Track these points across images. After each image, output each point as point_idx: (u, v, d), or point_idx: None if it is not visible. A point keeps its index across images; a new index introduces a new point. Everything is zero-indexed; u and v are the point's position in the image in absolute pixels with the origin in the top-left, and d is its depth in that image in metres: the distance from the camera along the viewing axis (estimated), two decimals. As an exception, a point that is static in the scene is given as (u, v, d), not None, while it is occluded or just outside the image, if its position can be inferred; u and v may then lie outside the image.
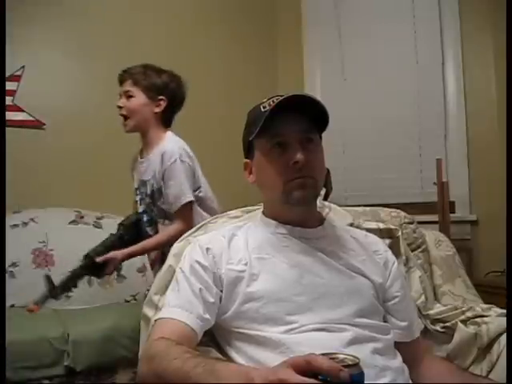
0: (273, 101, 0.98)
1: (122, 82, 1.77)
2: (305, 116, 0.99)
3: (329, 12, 3.13)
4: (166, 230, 1.71)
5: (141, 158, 1.80)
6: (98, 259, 1.65)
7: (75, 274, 1.65)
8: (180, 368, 0.75)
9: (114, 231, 1.75)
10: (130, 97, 1.74)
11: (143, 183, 1.78)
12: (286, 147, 0.98)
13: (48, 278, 1.61)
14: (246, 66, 3.21)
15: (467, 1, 2.75)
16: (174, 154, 1.68)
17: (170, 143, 1.72)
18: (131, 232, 1.75)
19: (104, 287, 2.34)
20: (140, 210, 1.81)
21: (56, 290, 1.60)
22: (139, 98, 1.74)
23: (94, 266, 1.67)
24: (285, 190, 0.98)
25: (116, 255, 1.68)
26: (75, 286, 1.66)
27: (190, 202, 1.69)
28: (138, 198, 1.82)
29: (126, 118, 1.75)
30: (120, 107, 1.75)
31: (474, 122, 2.72)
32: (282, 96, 0.98)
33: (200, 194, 1.77)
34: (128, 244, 1.71)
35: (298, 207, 1.00)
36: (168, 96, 1.77)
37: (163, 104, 1.76)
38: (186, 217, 1.68)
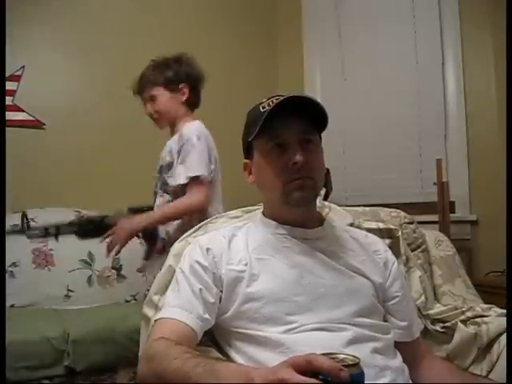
0: (272, 101, 0.98)
1: (140, 90, 1.80)
2: (304, 117, 0.99)
3: (329, 12, 3.13)
4: (180, 200, 1.68)
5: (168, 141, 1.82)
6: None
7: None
8: (180, 368, 0.75)
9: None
10: (154, 100, 1.76)
11: (161, 168, 1.79)
12: (285, 148, 0.98)
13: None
14: (247, 66, 3.21)
15: (467, 0, 2.75)
16: (192, 132, 1.69)
17: (190, 126, 1.73)
18: None
19: (104, 287, 2.34)
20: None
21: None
22: (163, 96, 1.75)
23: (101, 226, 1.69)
24: (284, 191, 0.98)
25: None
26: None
27: (200, 177, 1.65)
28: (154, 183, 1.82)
29: (157, 119, 1.78)
30: (151, 114, 1.78)
31: (474, 122, 2.72)
32: (281, 96, 0.98)
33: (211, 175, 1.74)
34: None
35: (297, 208, 1.00)
36: (187, 81, 1.78)
37: (186, 91, 1.78)
38: (199, 191, 1.65)
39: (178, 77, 1.77)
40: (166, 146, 1.79)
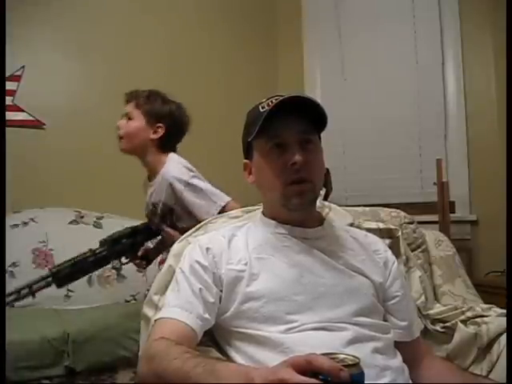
0: (272, 101, 0.98)
1: (126, 101, 1.77)
2: (304, 117, 0.99)
3: (329, 12, 3.13)
4: None
5: (150, 182, 1.78)
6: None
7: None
8: (180, 368, 0.75)
9: (115, 231, 1.72)
10: (129, 119, 1.72)
11: (152, 205, 1.76)
12: (284, 148, 0.98)
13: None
14: (247, 66, 3.21)
15: (467, 0, 2.75)
16: (183, 177, 1.65)
17: (171, 167, 1.69)
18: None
19: (104, 287, 2.34)
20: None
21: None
22: (138, 121, 1.71)
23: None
24: (283, 193, 0.98)
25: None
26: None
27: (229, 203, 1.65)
28: (146, 214, 1.80)
29: (121, 138, 1.73)
30: (118, 128, 1.73)
31: (474, 122, 2.72)
32: (281, 96, 0.98)
33: None
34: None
35: (296, 212, 1.01)
36: (167, 124, 1.73)
37: (161, 131, 1.72)
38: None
39: (162, 116, 1.73)
40: (153, 184, 1.73)
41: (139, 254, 1.73)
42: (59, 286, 1.53)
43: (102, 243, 1.61)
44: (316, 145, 1.02)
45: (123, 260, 1.67)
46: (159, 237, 1.75)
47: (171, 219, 1.70)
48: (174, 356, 0.78)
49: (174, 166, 1.70)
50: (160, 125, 1.72)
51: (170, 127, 1.74)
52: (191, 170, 1.70)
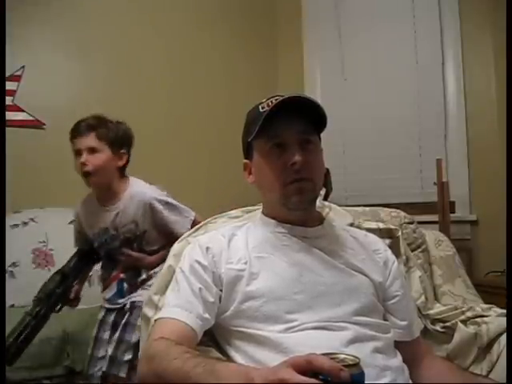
0: (271, 101, 0.98)
1: (80, 134, 1.65)
2: (303, 117, 0.99)
3: (329, 12, 3.13)
4: None
5: (104, 206, 1.70)
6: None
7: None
8: (180, 368, 0.75)
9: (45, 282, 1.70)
10: (93, 152, 1.62)
11: (112, 229, 1.69)
12: (284, 148, 0.98)
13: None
14: (247, 66, 3.21)
15: (467, 0, 2.74)
16: (161, 197, 1.66)
17: (145, 188, 1.68)
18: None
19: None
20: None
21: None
22: (104, 153, 1.63)
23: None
24: (283, 192, 0.98)
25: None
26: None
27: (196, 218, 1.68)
28: (97, 243, 1.73)
29: (89, 174, 1.63)
30: (84, 164, 1.62)
31: (473, 122, 2.72)
32: (281, 96, 0.98)
33: None
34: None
35: (296, 211, 1.00)
36: (128, 148, 1.71)
37: (125, 157, 1.70)
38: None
39: (123, 141, 1.69)
40: (113, 209, 1.68)
41: (71, 296, 1.70)
42: (10, 364, 1.48)
43: (37, 302, 1.58)
44: (316, 145, 1.02)
45: (57, 308, 1.64)
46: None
47: (140, 242, 1.68)
48: (174, 356, 0.78)
49: (147, 187, 1.70)
50: (123, 151, 1.69)
51: (129, 150, 1.72)
52: (161, 190, 1.71)
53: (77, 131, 1.66)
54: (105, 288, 1.75)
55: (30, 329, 1.52)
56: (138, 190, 1.68)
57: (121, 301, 1.67)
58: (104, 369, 1.57)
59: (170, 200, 1.68)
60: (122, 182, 1.70)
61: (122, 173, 1.71)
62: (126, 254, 1.66)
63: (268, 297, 0.93)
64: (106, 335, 1.64)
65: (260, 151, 1.02)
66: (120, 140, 1.68)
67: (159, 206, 1.64)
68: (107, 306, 1.70)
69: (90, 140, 1.62)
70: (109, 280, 1.73)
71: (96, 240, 1.72)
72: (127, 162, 1.71)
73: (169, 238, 1.59)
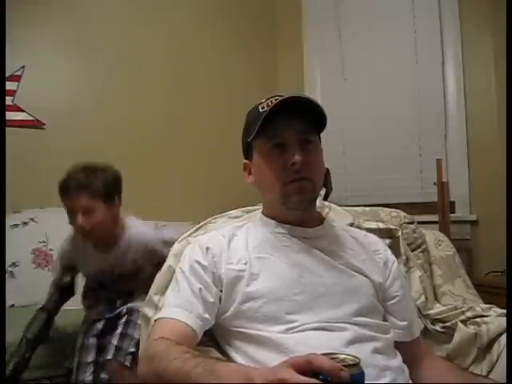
0: (271, 101, 0.98)
1: (71, 194, 1.53)
2: (303, 117, 0.99)
3: (329, 12, 3.13)
4: None
5: (101, 252, 1.65)
6: None
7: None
8: (180, 368, 0.75)
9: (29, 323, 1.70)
10: (88, 212, 1.53)
11: (109, 271, 1.67)
12: (284, 148, 0.98)
13: None
14: (247, 66, 3.21)
15: (467, 0, 2.74)
16: (159, 235, 1.65)
17: (144, 229, 1.66)
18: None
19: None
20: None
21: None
22: (99, 212, 1.55)
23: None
24: (283, 192, 0.98)
25: None
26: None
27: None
28: (94, 285, 1.72)
29: (87, 232, 1.56)
30: (81, 225, 1.53)
31: (474, 122, 2.71)
32: (281, 96, 0.98)
33: None
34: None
35: (296, 211, 1.00)
36: (119, 192, 1.65)
37: (118, 203, 1.64)
38: None
39: (114, 188, 1.63)
40: (111, 252, 1.64)
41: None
42: None
43: (26, 344, 1.60)
44: (315, 145, 1.02)
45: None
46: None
47: (136, 274, 1.65)
48: (174, 356, 0.78)
49: (144, 229, 1.67)
50: (116, 198, 1.63)
51: (120, 193, 1.66)
52: (155, 227, 1.70)
53: (67, 190, 1.54)
54: (90, 308, 1.74)
55: (18, 369, 1.55)
56: (136, 232, 1.64)
57: (110, 314, 1.66)
58: (109, 357, 1.56)
59: (166, 235, 1.62)
60: (117, 226, 1.65)
61: (118, 216, 1.65)
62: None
63: (268, 298, 0.93)
64: (93, 341, 1.64)
65: (260, 151, 1.02)
66: (111, 189, 1.60)
67: (159, 247, 1.60)
68: (94, 317, 1.69)
69: (83, 200, 1.52)
70: (97, 302, 1.72)
71: (92, 279, 1.71)
72: (120, 205, 1.65)
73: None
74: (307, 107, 0.97)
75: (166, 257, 1.53)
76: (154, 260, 1.59)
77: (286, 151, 0.98)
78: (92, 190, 1.53)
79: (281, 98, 0.96)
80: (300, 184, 0.97)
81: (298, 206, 0.99)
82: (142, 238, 1.64)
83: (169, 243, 1.56)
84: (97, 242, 1.65)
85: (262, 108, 0.99)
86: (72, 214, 1.55)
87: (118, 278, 1.67)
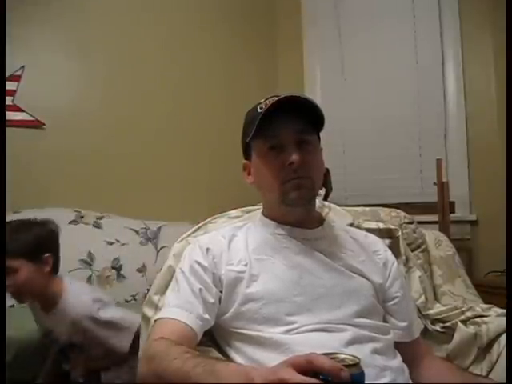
0: (269, 101, 0.98)
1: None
2: (301, 117, 0.98)
3: (329, 12, 3.13)
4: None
5: (44, 312, 1.55)
6: None
7: None
8: (180, 368, 0.75)
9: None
10: (13, 272, 1.45)
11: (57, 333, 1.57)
12: (282, 148, 0.98)
13: None
14: (246, 66, 3.21)
15: (467, 0, 2.74)
16: (92, 314, 1.51)
17: (74, 300, 1.51)
18: None
19: (104, 287, 2.34)
20: None
21: None
22: (24, 270, 1.46)
23: None
24: (281, 191, 0.98)
25: None
26: None
27: None
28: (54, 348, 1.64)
29: (15, 295, 1.50)
30: (8, 286, 1.46)
31: (474, 122, 2.71)
32: (279, 96, 0.98)
33: None
34: None
35: (295, 208, 1.00)
36: (52, 250, 1.54)
37: (50, 260, 1.52)
38: None
39: (43, 244, 1.52)
40: (51, 315, 1.54)
41: None
42: None
43: None
44: (314, 145, 1.02)
45: None
46: None
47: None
48: (174, 356, 0.78)
49: (78, 300, 1.52)
50: (47, 255, 1.51)
51: (55, 249, 1.56)
52: (98, 300, 1.54)
53: None
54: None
55: None
56: (70, 302, 1.51)
57: None
58: None
59: (102, 315, 1.51)
60: (54, 285, 1.54)
61: (51, 274, 1.54)
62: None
63: (268, 299, 0.93)
64: None
65: (258, 151, 1.02)
66: (38, 248, 1.49)
67: (89, 325, 1.48)
68: None
69: (6, 259, 1.41)
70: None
71: (48, 340, 1.62)
72: (57, 260, 1.56)
73: (112, 355, 1.50)
74: (305, 107, 0.97)
75: (99, 337, 1.48)
76: (83, 336, 1.49)
77: (283, 151, 0.98)
78: (14, 248, 1.44)
79: (277, 98, 0.96)
80: (298, 181, 0.97)
81: (296, 202, 0.98)
82: (72, 309, 1.49)
83: (105, 324, 1.49)
84: (32, 301, 1.57)
85: (261, 108, 0.98)
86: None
87: (70, 347, 1.55)
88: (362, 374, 0.64)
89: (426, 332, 1.26)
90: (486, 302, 1.40)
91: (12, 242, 1.44)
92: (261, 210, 1.11)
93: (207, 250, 1.00)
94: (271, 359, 0.81)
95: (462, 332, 1.23)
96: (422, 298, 1.32)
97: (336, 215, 1.34)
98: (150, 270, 2.36)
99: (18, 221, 1.56)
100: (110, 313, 1.54)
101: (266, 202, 1.09)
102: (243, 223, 1.13)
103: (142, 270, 2.41)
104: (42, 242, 1.52)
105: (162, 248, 2.46)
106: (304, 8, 3.22)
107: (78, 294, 1.54)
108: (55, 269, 1.55)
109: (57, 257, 1.56)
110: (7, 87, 2.56)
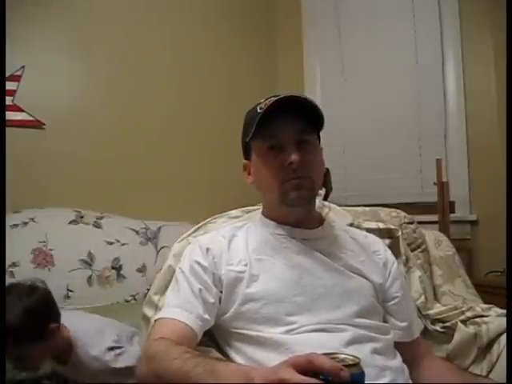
0: (269, 101, 0.98)
1: None
2: (301, 117, 0.98)
3: (329, 12, 3.13)
4: None
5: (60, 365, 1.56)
6: None
7: None
8: (180, 368, 0.75)
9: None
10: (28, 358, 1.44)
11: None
12: (281, 148, 0.98)
13: None
14: (247, 66, 3.21)
15: (467, 0, 2.74)
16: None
17: (88, 356, 1.49)
18: None
19: (104, 287, 2.34)
20: None
21: None
22: (36, 352, 1.44)
23: None
24: (281, 191, 0.98)
25: None
26: None
27: None
28: None
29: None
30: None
31: (473, 122, 2.71)
32: (279, 96, 0.98)
33: None
34: None
35: (294, 208, 1.00)
36: (55, 316, 1.50)
37: (55, 326, 1.47)
38: None
39: (45, 317, 1.46)
40: None
41: None
42: None
43: None
44: (314, 145, 1.02)
45: None
46: None
47: None
48: (174, 356, 0.78)
49: (90, 357, 1.48)
50: (54, 325, 1.46)
51: (58, 318, 1.50)
52: (110, 348, 1.52)
53: None
54: None
55: None
56: (83, 360, 1.48)
57: None
58: None
59: (119, 365, 1.50)
60: (64, 341, 1.50)
61: (58, 332, 1.48)
62: None
63: (268, 299, 0.93)
64: None
65: (258, 151, 1.02)
66: (44, 321, 1.43)
67: (110, 378, 1.48)
68: None
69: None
70: None
71: None
72: (58, 314, 1.50)
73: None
74: (305, 107, 0.97)
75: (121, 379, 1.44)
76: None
77: (283, 151, 0.97)
78: (20, 335, 1.37)
79: (277, 98, 0.96)
80: (298, 181, 0.97)
81: (296, 202, 0.98)
82: (88, 364, 1.48)
83: (125, 370, 1.45)
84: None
85: (260, 108, 0.98)
86: None
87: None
88: (362, 374, 0.64)
89: (426, 332, 1.26)
90: (486, 302, 1.40)
91: (15, 325, 1.35)
92: (261, 210, 1.11)
93: (207, 249, 1.00)
94: (271, 359, 0.81)
95: (462, 332, 1.23)
96: (422, 298, 1.32)
97: (336, 215, 1.34)
98: (150, 270, 2.36)
99: (11, 298, 1.40)
100: (126, 358, 1.50)
101: (266, 202, 1.09)
102: (243, 223, 1.13)
103: (142, 269, 2.41)
104: (44, 317, 1.44)
105: (161, 248, 2.46)
106: (304, 8, 3.22)
107: (87, 351, 1.49)
108: (57, 320, 1.49)
109: (57, 314, 1.50)
110: (7, 87, 2.56)
